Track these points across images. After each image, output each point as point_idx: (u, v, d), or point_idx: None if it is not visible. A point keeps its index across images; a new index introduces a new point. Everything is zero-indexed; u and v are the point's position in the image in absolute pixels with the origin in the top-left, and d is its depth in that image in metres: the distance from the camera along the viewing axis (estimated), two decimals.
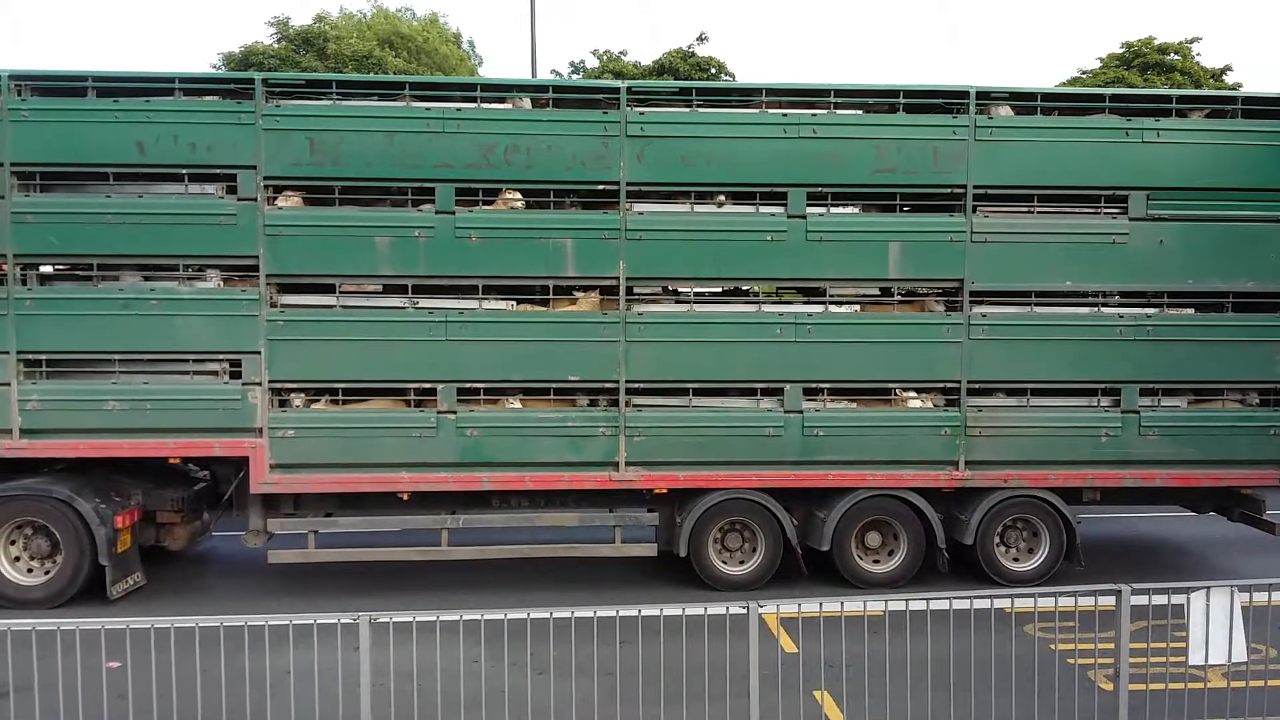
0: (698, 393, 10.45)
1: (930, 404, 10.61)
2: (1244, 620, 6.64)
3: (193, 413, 10.10)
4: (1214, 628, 6.60)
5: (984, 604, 7.10)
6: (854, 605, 7.02)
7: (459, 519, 10.46)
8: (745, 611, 6.33)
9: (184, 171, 9.98)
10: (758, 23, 72.60)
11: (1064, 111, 10.60)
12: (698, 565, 10.61)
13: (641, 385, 10.37)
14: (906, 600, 6.95)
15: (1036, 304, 10.57)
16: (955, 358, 10.46)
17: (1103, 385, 10.61)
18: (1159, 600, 6.78)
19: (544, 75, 30.36)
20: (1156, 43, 27.31)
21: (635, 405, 10.37)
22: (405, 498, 10.39)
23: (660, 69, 29.01)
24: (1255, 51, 53.65)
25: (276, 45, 31.58)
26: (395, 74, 29.75)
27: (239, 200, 9.97)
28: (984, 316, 10.47)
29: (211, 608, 9.49)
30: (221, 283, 10.17)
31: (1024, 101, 10.48)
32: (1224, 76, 26.68)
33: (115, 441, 10.09)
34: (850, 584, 10.65)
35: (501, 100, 10.30)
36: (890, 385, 10.57)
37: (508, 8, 67.47)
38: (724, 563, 10.73)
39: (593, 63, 31.35)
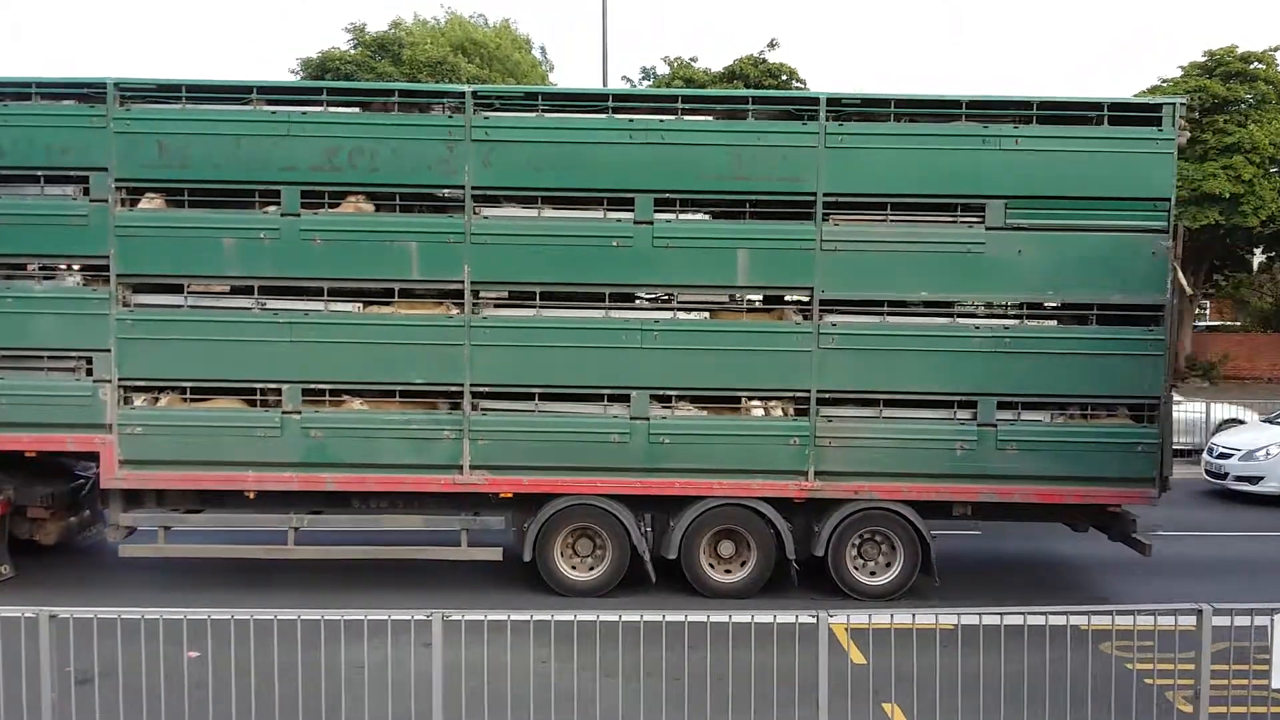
0: (545, 397, 10.43)
1: (781, 413, 10.46)
2: None
3: (47, 408, 10.33)
4: None
5: (1060, 620, 6.94)
6: (926, 618, 7.03)
7: (304, 519, 10.56)
8: (815, 621, 6.33)
9: (41, 173, 10.23)
10: (831, 28, 72.07)
11: (921, 118, 10.37)
12: (544, 571, 10.59)
13: (488, 389, 10.37)
14: (980, 615, 6.80)
15: (891, 314, 10.36)
16: (805, 367, 10.30)
17: (959, 397, 10.36)
18: (1241, 621, 6.54)
19: (614, 81, 30.61)
20: (1240, 51, 26.68)
21: (482, 409, 10.38)
22: (252, 496, 10.51)
23: (731, 75, 29.00)
24: None
25: (353, 51, 32.14)
26: (468, 80, 30.14)
27: (91, 202, 10.19)
28: (834, 325, 10.29)
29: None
30: (82, 282, 10.40)
31: (877, 108, 10.28)
32: None
33: None
34: (697, 593, 10.54)
35: (366, 106, 10.42)
36: (739, 393, 10.45)
37: (580, 15, 68.00)
38: (573, 568, 10.68)
39: (664, 69, 31.51)
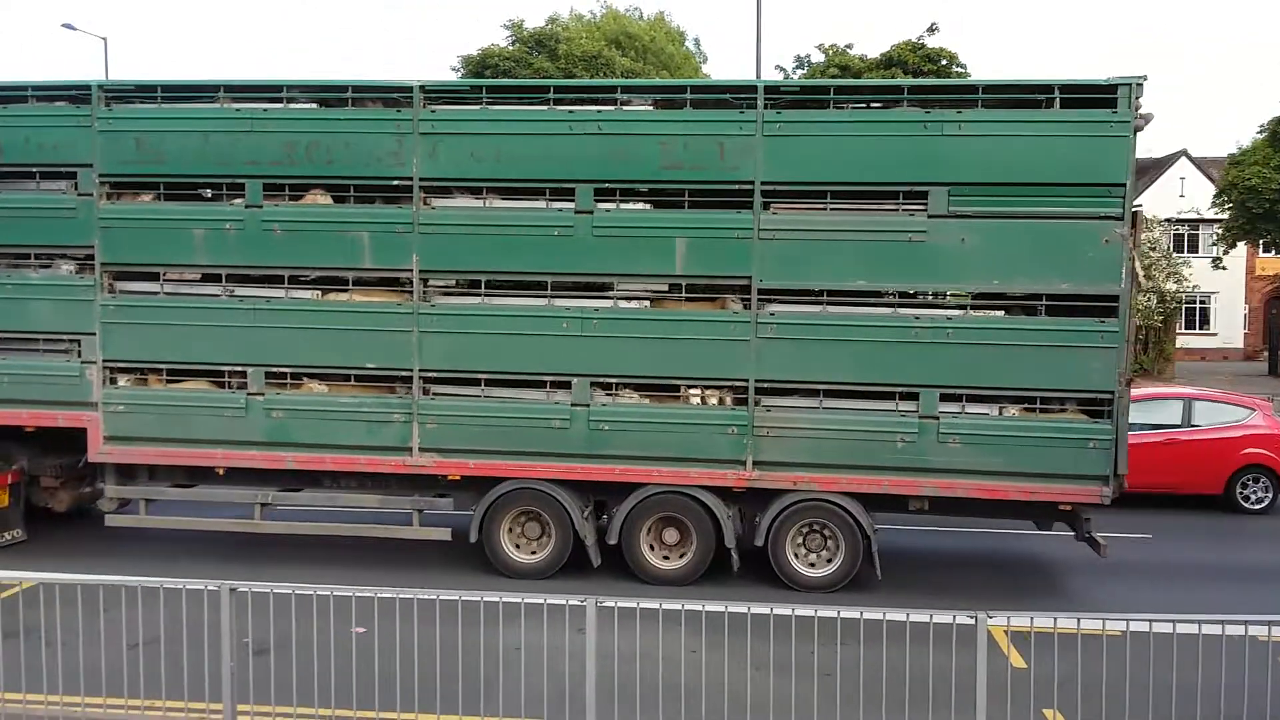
0: (491, 383, 10.72)
1: (721, 402, 10.48)
2: None
3: (42, 387, 11.23)
4: None
5: (1237, 630, 6.55)
6: (1092, 624, 6.79)
7: (268, 494, 11.15)
8: (973, 622, 6.21)
9: (37, 170, 11.09)
10: (995, 11, 69.98)
11: (859, 104, 10.19)
12: (489, 552, 10.90)
13: (436, 374, 10.73)
14: (1150, 621, 6.48)
15: (831, 303, 10.24)
16: (743, 356, 10.28)
17: (900, 389, 10.16)
18: None
19: (768, 72, 30.41)
20: None
21: (432, 394, 10.75)
22: (222, 473, 11.17)
23: (888, 61, 28.62)
24: None
25: (511, 47, 32.97)
26: (622, 74, 30.72)
27: (79, 196, 10.99)
28: (773, 315, 10.23)
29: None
30: (74, 270, 11.24)
31: (815, 95, 10.15)
32: None
33: None
34: (637, 578, 10.67)
35: (330, 102, 10.92)
36: (679, 382, 10.51)
37: (735, 5, 68.11)
38: (517, 548, 10.96)
39: (818, 57, 31.18)
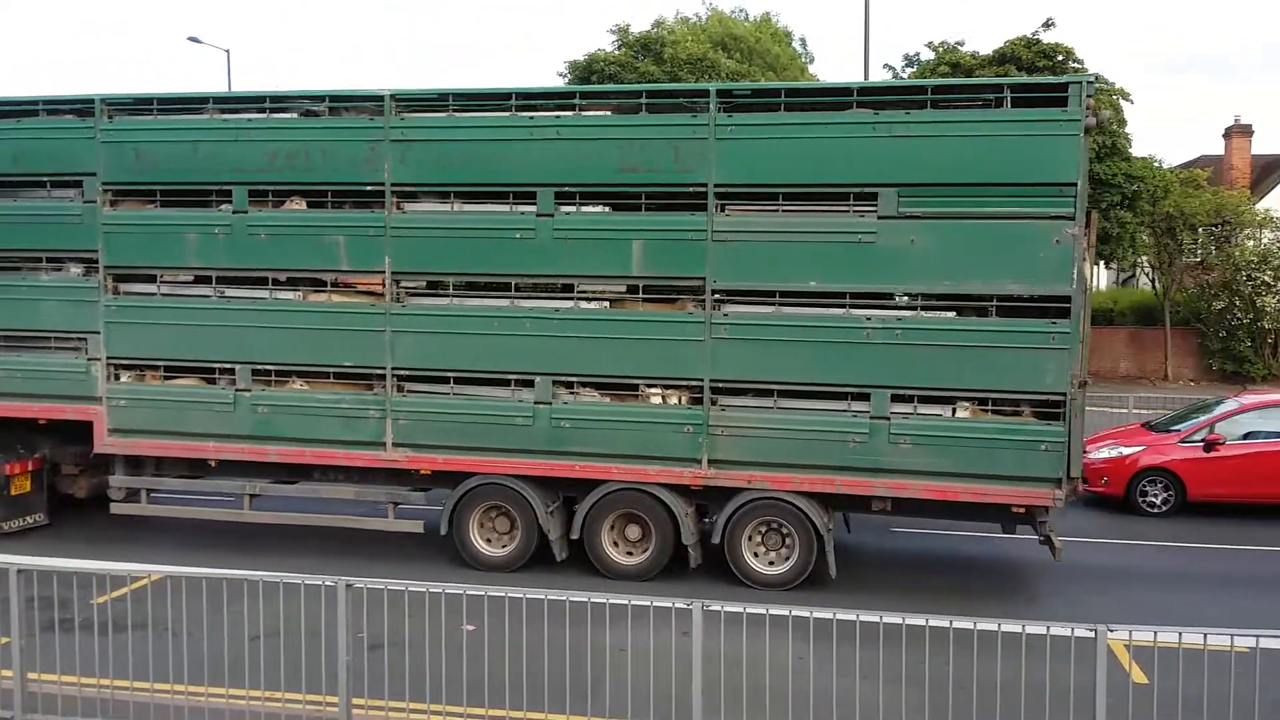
0: (460, 381, 11.09)
1: (678, 401, 10.66)
2: None
3: (53, 382, 12.01)
4: None
5: None
6: (1220, 640, 6.45)
7: (256, 486, 11.73)
8: (1092, 635, 6.08)
9: (48, 179, 11.87)
10: (1113, 4, 67.98)
11: (810, 107, 10.24)
12: (460, 545, 11.28)
13: (409, 372, 11.15)
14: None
15: (785, 304, 10.33)
16: (698, 356, 10.45)
17: (852, 389, 10.20)
18: None
19: (875, 71, 30.23)
20: None
21: (406, 391, 11.18)
22: (214, 464, 11.80)
23: (1001, 58, 28.03)
24: None
25: (617, 52, 33.16)
26: (728, 76, 30.90)
27: (85, 203, 11.72)
28: (726, 316, 10.38)
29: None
30: (82, 273, 11.99)
31: (766, 98, 10.25)
32: None
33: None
34: (598, 572, 10.93)
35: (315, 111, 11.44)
36: (637, 381, 10.72)
37: (842, 3, 67.68)
38: (488, 542, 11.32)
39: (928, 55, 30.60)
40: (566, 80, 32.82)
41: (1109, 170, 27.66)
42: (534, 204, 10.71)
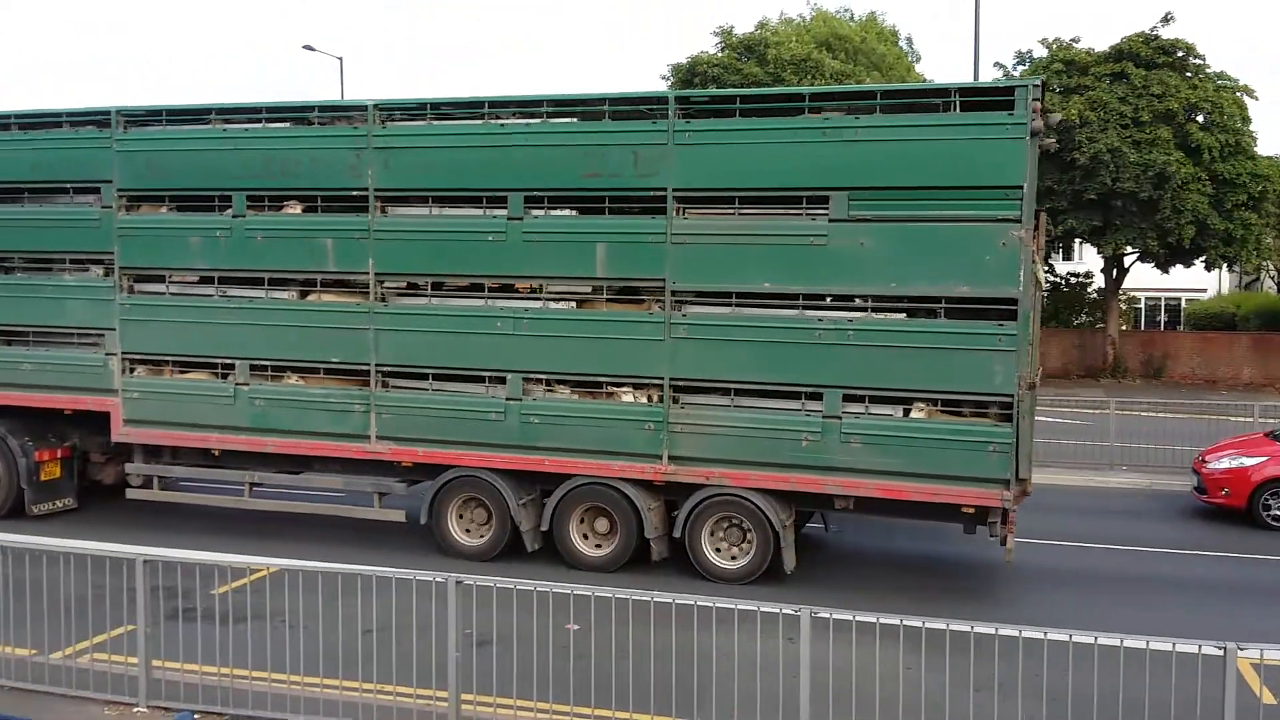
0: (439, 377, 11.61)
1: (641, 399, 10.99)
2: None
3: (75, 374, 12.90)
4: None
5: None
6: None
7: (255, 475, 12.43)
8: (1221, 654, 6.00)
9: (70, 186, 12.75)
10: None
11: (764, 113, 10.45)
12: (438, 534, 11.79)
13: (392, 368, 11.71)
14: None
15: (742, 305, 10.58)
16: (659, 355, 10.77)
17: (806, 389, 10.40)
18: None
19: (985, 70, 29.45)
20: None
21: (390, 386, 11.74)
22: (217, 454, 12.53)
23: (1117, 54, 27.74)
24: None
25: (720, 54, 33.46)
26: (832, 77, 30.76)
27: (102, 208, 12.57)
28: (685, 316, 10.67)
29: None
30: (103, 274, 12.85)
31: (722, 105, 10.50)
32: None
33: (28, 395, 13.13)
34: (567, 565, 11.33)
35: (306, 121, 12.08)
36: (601, 379, 11.08)
37: (951, 1, 66.64)
38: (466, 533, 11.81)
39: (1040, 52, 30.16)
40: (669, 83, 32.89)
41: (1233, 170, 26.77)
42: (505, 208, 11.15)
